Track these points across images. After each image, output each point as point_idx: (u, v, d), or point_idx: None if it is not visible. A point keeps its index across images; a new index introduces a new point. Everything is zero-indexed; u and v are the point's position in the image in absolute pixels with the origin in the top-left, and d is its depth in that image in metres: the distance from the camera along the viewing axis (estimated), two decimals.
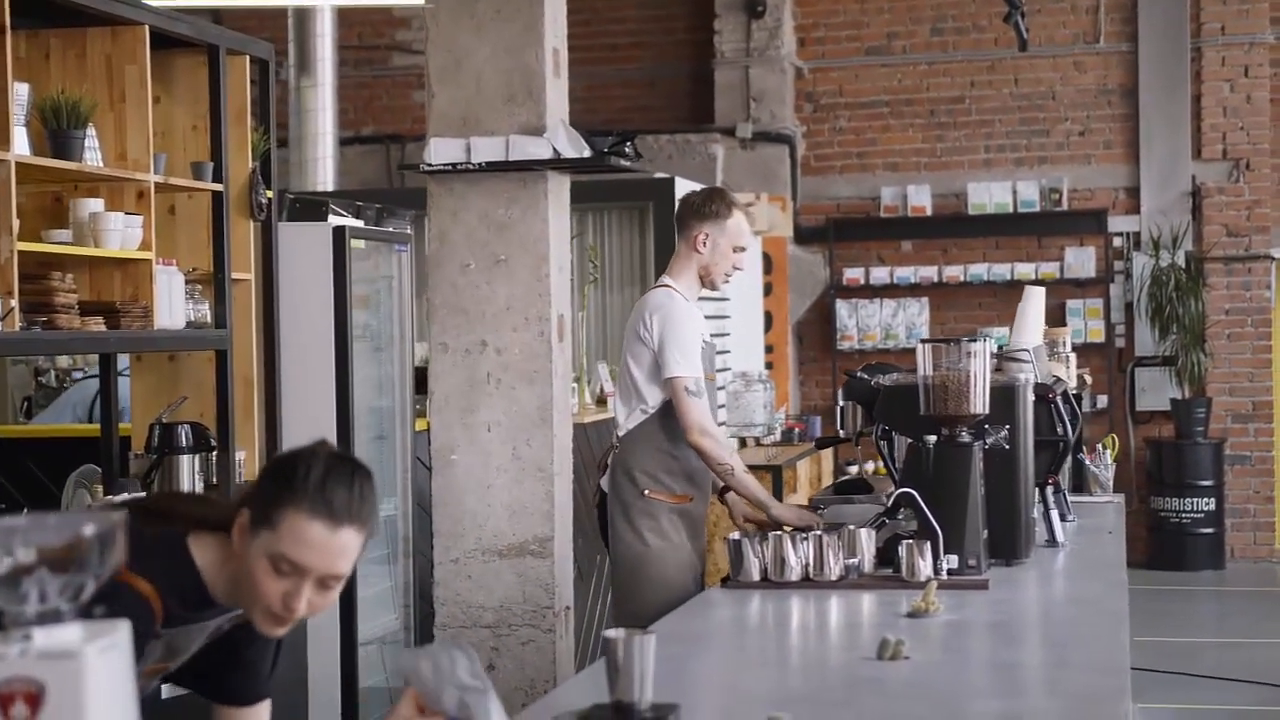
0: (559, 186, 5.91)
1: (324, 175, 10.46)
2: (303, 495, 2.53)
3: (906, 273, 12.72)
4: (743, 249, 5.30)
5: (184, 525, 2.69)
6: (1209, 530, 12.14)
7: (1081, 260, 12.51)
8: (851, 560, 4.27)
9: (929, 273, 12.68)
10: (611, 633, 2.75)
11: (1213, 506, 12.13)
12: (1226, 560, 12.28)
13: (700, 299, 9.28)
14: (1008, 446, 4.51)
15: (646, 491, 5.15)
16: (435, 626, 5.69)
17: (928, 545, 4.20)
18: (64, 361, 8.82)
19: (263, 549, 2.55)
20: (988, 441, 4.45)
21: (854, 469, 12.19)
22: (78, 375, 8.99)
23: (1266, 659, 9.24)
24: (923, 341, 4.45)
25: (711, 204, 5.28)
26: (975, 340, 4.41)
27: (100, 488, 5.39)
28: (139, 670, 2.59)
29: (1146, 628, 9.77)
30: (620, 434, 5.26)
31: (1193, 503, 12.10)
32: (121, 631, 1.79)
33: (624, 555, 5.18)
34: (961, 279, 12.62)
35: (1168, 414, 12.38)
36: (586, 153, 5.76)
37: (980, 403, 4.38)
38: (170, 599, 2.61)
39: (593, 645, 7.00)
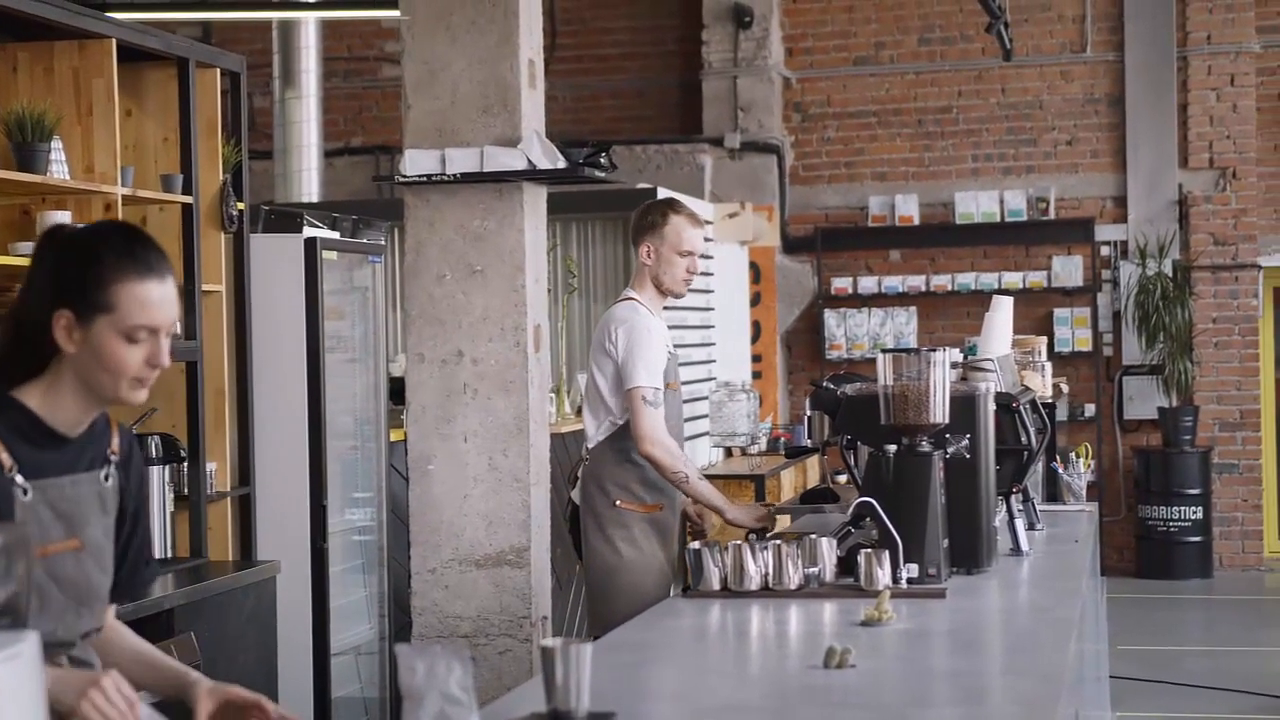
0: (535, 197, 5.94)
1: (309, 187, 10.49)
2: (123, 270, 2.66)
3: (894, 282, 12.74)
4: (689, 253, 5.35)
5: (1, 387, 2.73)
6: (1197, 539, 12.15)
7: (1069, 269, 12.52)
8: (812, 569, 4.28)
9: (917, 282, 12.70)
10: (548, 642, 2.77)
11: (1200, 515, 12.13)
12: (1214, 569, 12.29)
13: (681, 308, 9.31)
14: (969, 455, 4.53)
15: (618, 502, 5.24)
16: (413, 637, 5.70)
17: (887, 554, 4.21)
18: None
19: (110, 330, 2.65)
20: (948, 451, 4.47)
21: (843, 478, 12.21)
22: None
23: (1253, 668, 9.24)
24: (884, 351, 4.47)
25: (648, 215, 5.40)
26: (935, 350, 4.42)
27: None
28: (34, 548, 2.55)
29: (1133, 636, 9.78)
30: (590, 445, 5.34)
31: (1180, 511, 12.11)
32: (28, 643, 1.81)
33: (597, 565, 5.24)
34: (949, 288, 12.64)
35: (1155, 422, 12.39)
36: (561, 164, 5.79)
37: (940, 412, 4.39)
38: (13, 439, 2.65)
39: None
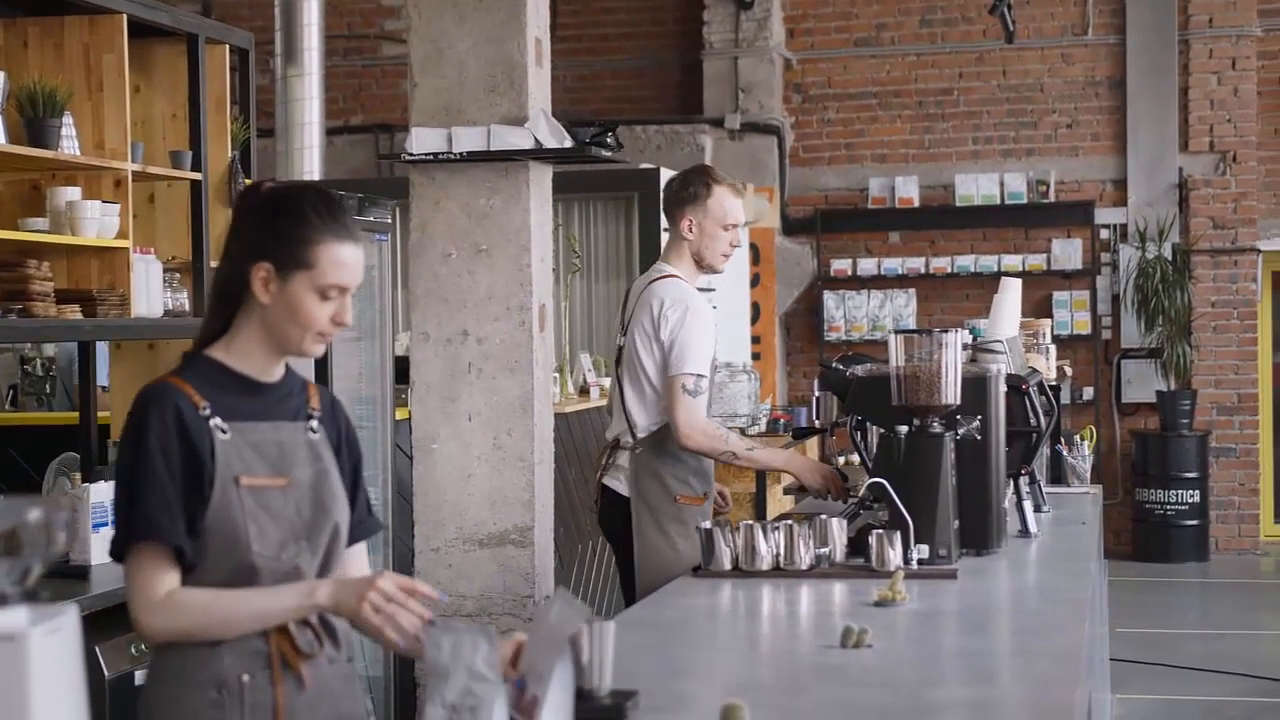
0: (541, 176, 5.93)
1: (310, 164, 10.40)
2: (324, 233, 2.80)
3: (894, 264, 12.75)
4: (733, 225, 5.14)
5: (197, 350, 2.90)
6: (1193, 522, 12.18)
7: (1068, 252, 12.53)
8: (823, 550, 4.28)
9: (916, 264, 12.70)
10: None
11: (1197, 498, 12.16)
12: (1211, 552, 12.32)
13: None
14: (979, 437, 4.53)
15: (678, 497, 5.04)
16: None
17: (898, 535, 4.22)
18: (50, 349, 8.83)
19: (306, 286, 2.79)
20: (959, 432, 4.47)
21: (841, 460, 12.22)
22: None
23: (1249, 650, 9.27)
24: (895, 332, 4.46)
25: (689, 186, 5.15)
26: (947, 331, 4.42)
27: (79, 475, 5.40)
28: (231, 474, 2.77)
29: (1130, 619, 9.80)
30: (639, 435, 5.09)
31: (1177, 495, 12.14)
32: (68, 616, 1.81)
33: (654, 561, 5.02)
34: (949, 270, 12.64)
35: (1153, 406, 12.41)
36: (568, 143, 5.77)
37: (952, 393, 4.40)
38: (205, 386, 2.79)
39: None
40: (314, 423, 2.91)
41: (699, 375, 4.93)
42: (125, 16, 5.17)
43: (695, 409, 4.93)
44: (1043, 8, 12.70)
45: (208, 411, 2.77)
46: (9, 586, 1.78)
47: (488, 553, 5.64)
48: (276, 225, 2.81)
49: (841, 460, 12.43)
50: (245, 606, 2.76)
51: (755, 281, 12.31)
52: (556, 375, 8.06)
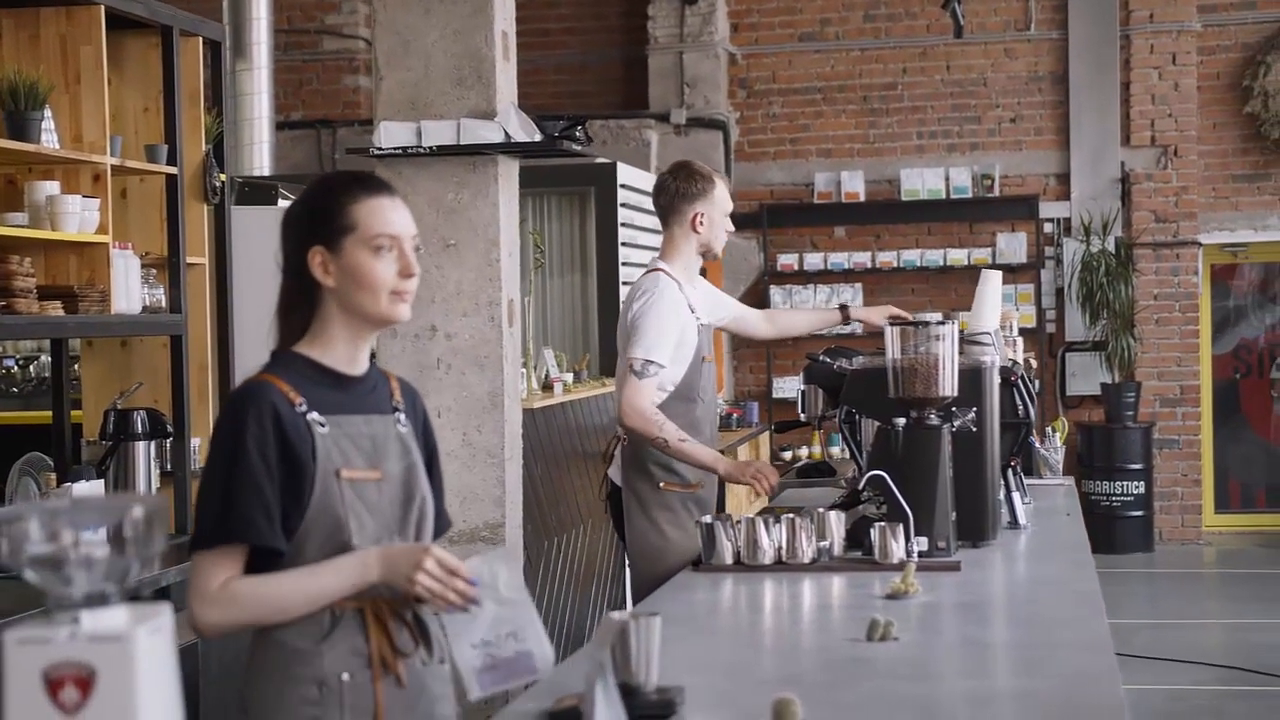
0: (508, 170, 5.90)
1: (260, 160, 10.34)
2: (353, 192, 2.82)
3: (840, 259, 12.78)
4: (729, 211, 5.33)
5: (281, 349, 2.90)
6: (1138, 513, 12.29)
7: (1013, 246, 12.61)
8: (822, 543, 4.28)
9: (862, 258, 12.74)
10: (618, 615, 2.75)
11: (1142, 490, 12.27)
12: (1155, 543, 12.44)
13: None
14: (975, 429, 4.53)
15: (662, 484, 5.10)
16: None
17: (899, 527, 4.21)
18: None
19: (358, 247, 2.79)
20: (956, 424, 4.47)
21: (787, 454, 12.24)
22: (8, 363, 8.86)
23: (1199, 640, 9.38)
24: (891, 324, 4.46)
25: (695, 183, 5.23)
26: (944, 323, 4.42)
27: (53, 475, 5.31)
28: (332, 468, 2.76)
29: None
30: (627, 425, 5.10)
31: (1122, 486, 12.24)
32: (165, 615, 1.77)
33: (643, 548, 5.11)
34: (895, 265, 12.68)
35: (1098, 398, 12.51)
36: (537, 137, 5.75)
37: (949, 385, 4.40)
38: (297, 381, 2.79)
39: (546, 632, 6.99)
40: (401, 415, 2.90)
41: (648, 360, 4.99)
42: (103, 8, 5.08)
43: (639, 391, 4.98)
44: (986, 3, 12.76)
45: (304, 407, 2.77)
46: (110, 586, 1.73)
47: (458, 550, 5.56)
48: (312, 210, 2.85)
49: (787, 455, 12.45)
50: (300, 591, 2.72)
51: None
52: (523, 371, 8.02)
